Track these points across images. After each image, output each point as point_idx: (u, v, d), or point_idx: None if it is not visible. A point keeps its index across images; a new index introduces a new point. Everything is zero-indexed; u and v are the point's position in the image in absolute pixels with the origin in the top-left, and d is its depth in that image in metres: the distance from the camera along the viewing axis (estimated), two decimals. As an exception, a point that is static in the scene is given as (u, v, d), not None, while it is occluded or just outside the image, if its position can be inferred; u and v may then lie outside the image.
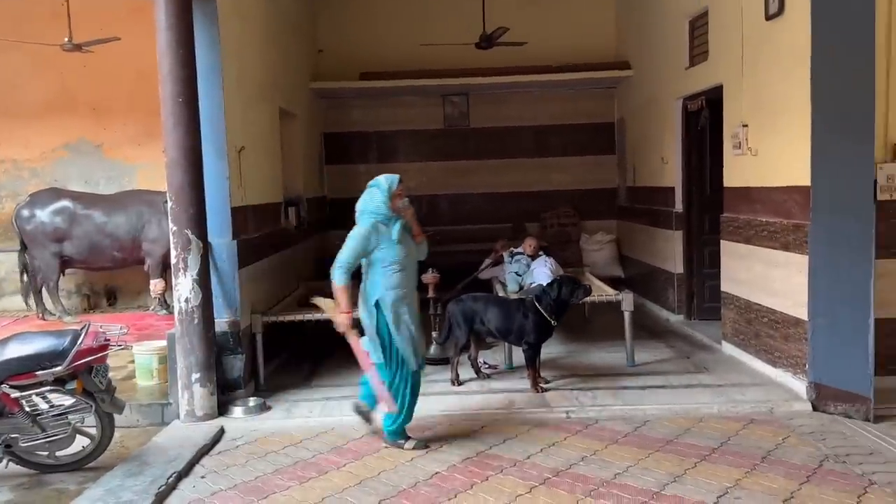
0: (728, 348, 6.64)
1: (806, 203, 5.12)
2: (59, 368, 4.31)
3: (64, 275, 8.80)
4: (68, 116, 9.30)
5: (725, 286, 6.70)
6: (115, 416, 4.65)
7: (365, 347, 4.61)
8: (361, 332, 4.62)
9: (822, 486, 3.94)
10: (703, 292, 7.90)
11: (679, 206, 8.05)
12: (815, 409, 5.10)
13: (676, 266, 8.13)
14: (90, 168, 9.39)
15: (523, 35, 9.22)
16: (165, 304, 8.49)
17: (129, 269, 8.92)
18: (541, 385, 5.72)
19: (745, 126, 6.16)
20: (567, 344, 7.13)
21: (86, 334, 4.46)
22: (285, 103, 7.85)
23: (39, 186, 9.01)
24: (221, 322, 5.56)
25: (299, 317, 6.25)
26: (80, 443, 4.59)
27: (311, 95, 9.73)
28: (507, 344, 6.21)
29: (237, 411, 5.36)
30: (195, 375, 5.21)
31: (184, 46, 5.11)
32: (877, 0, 4.75)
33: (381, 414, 4.74)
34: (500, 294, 6.96)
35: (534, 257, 7.31)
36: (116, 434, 4.76)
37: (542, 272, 6.82)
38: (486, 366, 6.29)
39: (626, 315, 6.35)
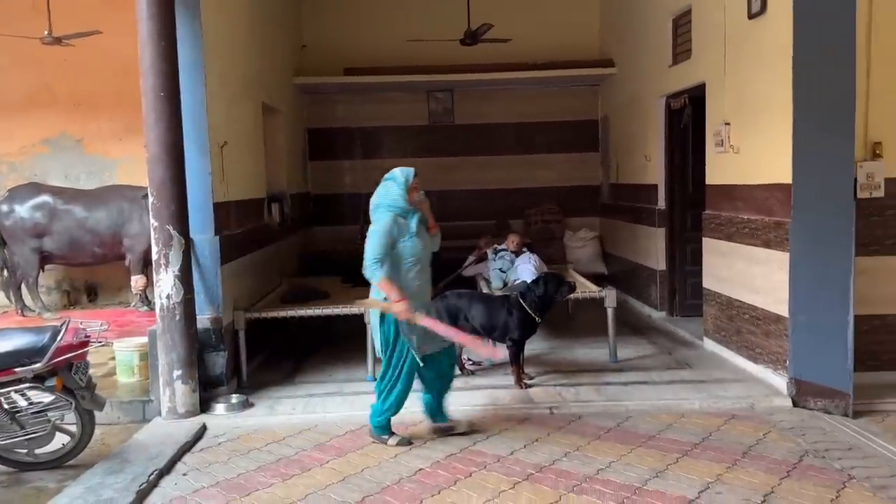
0: (710, 345, 6.69)
1: (787, 201, 5.17)
2: (38, 365, 4.26)
3: (44, 271, 8.72)
4: (48, 111, 9.21)
5: (707, 283, 6.75)
6: (96, 413, 4.61)
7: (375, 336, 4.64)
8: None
9: (801, 481, 3.98)
10: (686, 289, 7.95)
11: (662, 204, 8.09)
12: (795, 404, 5.15)
13: (659, 263, 8.18)
14: (70, 163, 9.30)
15: (508, 32, 9.23)
16: (147, 300, 8.42)
17: (109, 265, 8.85)
18: (524, 381, 5.74)
19: (728, 124, 6.20)
20: (550, 340, 7.15)
21: (66, 331, 4.42)
22: (268, 98, 7.80)
23: (18, 181, 8.92)
24: (203, 319, 5.52)
25: (282, 313, 6.22)
26: (60, 440, 4.54)
27: (295, 91, 9.68)
28: (491, 340, 6.21)
29: (219, 408, 5.33)
30: (177, 372, 5.18)
31: (165, 39, 5.05)
32: (857, 0, 4.80)
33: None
34: (485, 291, 6.97)
35: (517, 254, 7.32)
36: (97, 431, 4.72)
37: (526, 269, 6.83)
38: (471, 362, 6.30)
39: (609, 311, 6.37)
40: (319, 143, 10.56)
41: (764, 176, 5.61)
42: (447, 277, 7.53)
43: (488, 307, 5.83)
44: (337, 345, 7.19)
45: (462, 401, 5.28)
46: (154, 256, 5.20)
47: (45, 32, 7.95)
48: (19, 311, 8.45)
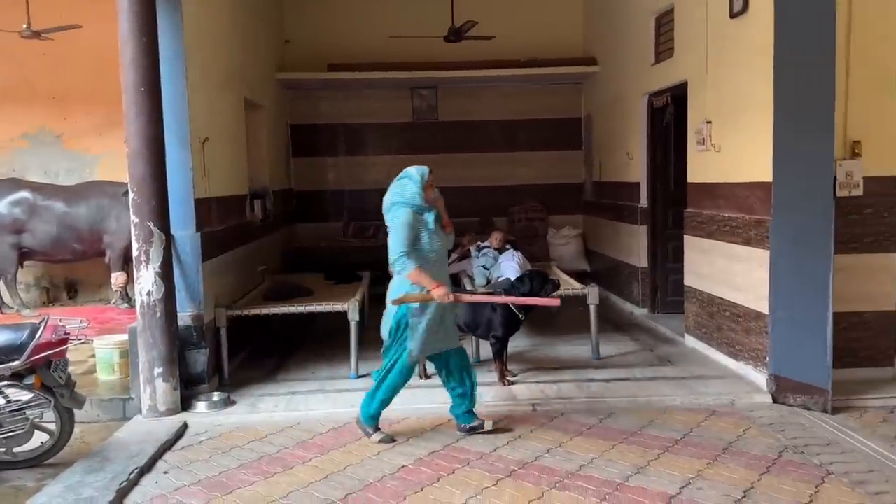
0: (691, 341, 6.74)
1: (767, 199, 5.21)
2: (16, 363, 4.22)
3: (22, 267, 8.62)
4: (27, 106, 9.09)
5: (689, 280, 6.80)
6: (75, 411, 4.57)
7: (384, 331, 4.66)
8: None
9: (781, 477, 4.02)
10: (667, 286, 8.00)
11: (644, 202, 8.13)
12: (774, 400, 5.20)
13: (641, 260, 8.22)
14: (50, 158, 9.19)
15: (492, 29, 9.24)
16: (127, 297, 8.36)
17: (89, 262, 8.77)
18: (508, 378, 5.75)
19: (709, 122, 6.24)
20: (533, 337, 7.17)
21: (44, 328, 4.37)
22: (251, 93, 7.75)
23: (-3, 177, 8.80)
24: (184, 316, 5.48)
25: (265, 311, 6.19)
26: (39, 439, 4.50)
27: (278, 86, 9.62)
28: (474, 338, 6.22)
29: (201, 406, 5.30)
30: (157, 370, 5.14)
31: (146, 34, 5.00)
32: (837, 0, 4.84)
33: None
34: (468, 288, 6.97)
35: (500, 251, 7.34)
36: (76, 430, 4.68)
37: (509, 266, 6.84)
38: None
39: (592, 309, 6.40)
40: (302, 140, 10.51)
41: (745, 174, 5.66)
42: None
43: (472, 304, 5.82)
44: (320, 342, 7.18)
45: (444, 398, 5.27)
46: (134, 253, 5.16)
47: (24, 26, 7.85)
48: (-3, 308, 8.35)
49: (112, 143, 8.65)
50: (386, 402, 4.70)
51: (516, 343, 6.45)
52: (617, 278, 9.06)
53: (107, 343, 5.98)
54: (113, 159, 8.69)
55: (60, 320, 4.65)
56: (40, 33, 7.90)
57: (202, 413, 5.24)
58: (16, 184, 8.39)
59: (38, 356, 4.27)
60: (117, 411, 5.35)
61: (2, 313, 8.27)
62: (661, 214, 8.00)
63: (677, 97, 7.19)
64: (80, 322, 4.70)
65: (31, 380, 4.33)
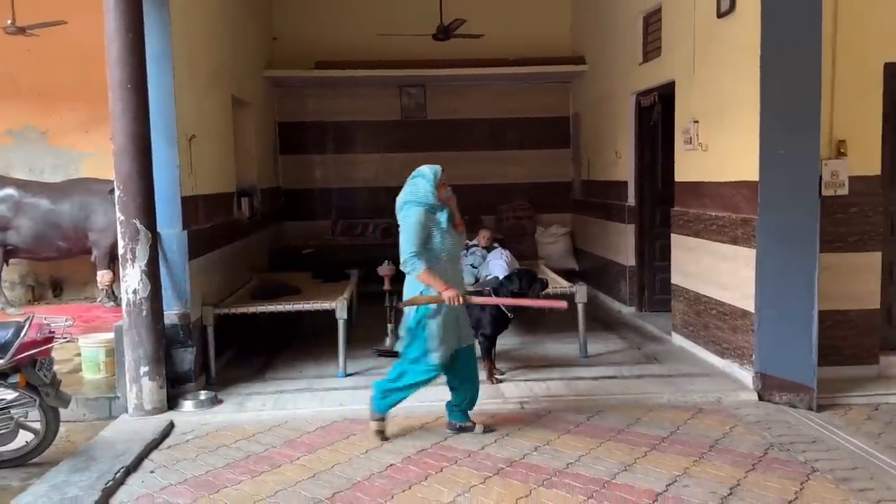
0: (678, 339, 6.77)
1: (754, 198, 5.24)
2: (0, 362, 4.18)
3: (7, 265, 8.55)
4: (12, 102, 9.01)
5: (675, 279, 6.83)
6: (61, 410, 4.54)
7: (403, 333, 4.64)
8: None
9: (766, 474, 4.05)
10: (654, 285, 8.03)
11: (631, 200, 8.16)
12: (760, 398, 5.24)
13: (629, 259, 8.25)
14: (35, 155, 9.11)
15: (481, 27, 9.24)
16: (113, 295, 8.30)
17: (75, 260, 8.71)
18: (496, 376, 5.76)
19: (696, 122, 6.27)
20: (522, 336, 7.19)
21: (29, 326, 4.33)
22: (238, 91, 7.71)
23: (-19, 174, 8.71)
24: (171, 314, 5.45)
25: (252, 309, 6.16)
26: (24, 438, 4.46)
27: (266, 83, 9.58)
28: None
29: (187, 405, 5.27)
30: (144, 368, 5.11)
31: (133, 31, 4.96)
32: (823, 0, 4.87)
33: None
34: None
35: (488, 249, 7.34)
36: (62, 429, 4.65)
37: (497, 264, 6.84)
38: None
39: (580, 307, 6.42)
40: (290, 137, 10.47)
41: (731, 173, 5.69)
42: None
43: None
44: (308, 341, 7.16)
45: (432, 396, 5.27)
46: (120, 251, 5.12)
47: (9, 22, 7.77)
48: (-19, 307, 8.28)
49: (98, 140, 8.59)
50: (400, 400, 4.67)
51: (505, 341, 6.46)
52: (605, 277, 9.09)
53: (92, 341, 5.94)
54: (99, 156, 8.64)
55: (46, 318, 4.61)
56: (25, 29, 7.83)
57: (189, 412, 5.22)
58: (1, 181, 8.31)
59: (22, 355, 4.23)
60: (103, 410, 5.31)
61: (-14, 311, 8.20)
62: (648, 213, 8.03)
63: (665, 96, 7.22)
64: (66, 320, 4.67)
65: (15, 378, 4.29)
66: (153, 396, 5.15)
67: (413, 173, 4.61)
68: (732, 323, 5.71)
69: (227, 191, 7.15)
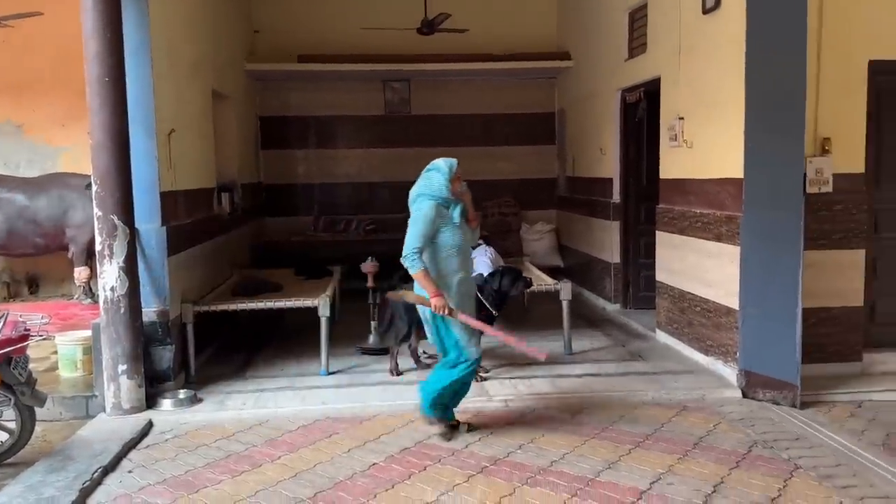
0: (662, 336, 6.77)
1: (738, 195, 5.24)
2: (-27, 360, 4.09)
3: (-18, 261, 8.39)
4: (-14, 95, 8.84)
5: (660, 276, 6.82)
6: (37, 409, 4.46)
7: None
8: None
9: (750, 471, 4.04)
10: (639, 282, 8.04)
11: (616, 197, 8.15)
12: (744, 395, 5.24)
13: (613, 256, 8.25)
14: (10, 150, 8.95)
15: (465, 22, 9.18)
16: (90, 292, 8.18)
17: (51, 256, 8.57)
18: (480, 374, 5.72)
19: (682, 118, 6.26)
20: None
21: (4, 324, 4.27)
22: (219, 84, 7.61)
23: (-46, 168, 8.55)
24: (150, 311, 5.37)
25: (233, 306, 6.08)
26: (-2, 438, 4.38)
27: (247, 77, 9.47)
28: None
29: (166, 404, 5.19)
30: (122, 367, 5.02)
31: (111, 29, 4.86)
32: (809, -2, 4.88)
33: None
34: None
35: (473, 247, 7.29)
36: (38, 428, 4.58)
37: (482, 261, 6.80)
38: (426, 355, 6.25)
39: (565, 304, 6.40)
40: (272, 132, 10.36)
41: (716, 170, 5.68)
42: (402, 271, 7.45)
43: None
44: (289, 338, 7.09)
45: (417, 394, 5.22)
46: (98, 247, 5.03)
47: (-17, 13, 7.62)
48: (-44, 303, 8.13)
49: (75, 135, 8.45)
50: (449, 400, 4.60)
51: (489, 339, 6.39)
52: (589, 274, 9.08)
53: (69, 339, 5.85)
54: (76, 151, 8.49)
55: (21, 316, 4.53)
56: (0, 21, 7.66)
57: (168, 411, 5.14)
58: (-25, 175, 8.17)
59: (-4, 353, 4.14)
60: (80, 409, 5.23)
61: (-40, 308, 8.04)
62: (633, 210, 8.03)
63: (650, 93, 7.20)
64: (42, 318, 4.59)
65: (-11, 377, 4.20)
66: (131, 395, 5.06)
67: (428, 166, 4.56)
68: (716, 320, 5.72)
69: (207, 186, 7.05)
